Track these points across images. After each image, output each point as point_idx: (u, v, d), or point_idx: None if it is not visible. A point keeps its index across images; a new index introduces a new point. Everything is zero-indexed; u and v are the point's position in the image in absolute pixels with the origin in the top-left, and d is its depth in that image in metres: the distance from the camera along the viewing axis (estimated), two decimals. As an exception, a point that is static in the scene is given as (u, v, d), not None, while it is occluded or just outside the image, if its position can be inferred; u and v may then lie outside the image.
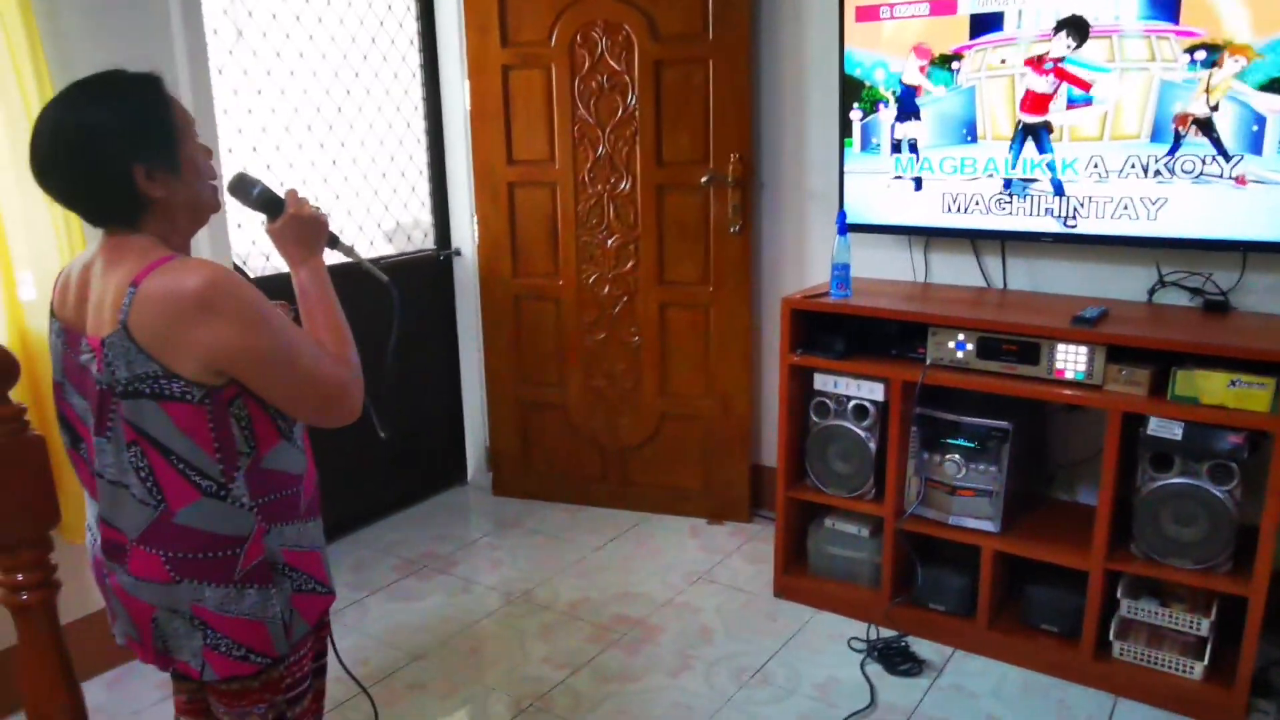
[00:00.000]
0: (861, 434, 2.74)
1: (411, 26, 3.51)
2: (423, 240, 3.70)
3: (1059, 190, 2.61)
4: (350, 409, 1.47)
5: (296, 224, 1.50)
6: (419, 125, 3.60)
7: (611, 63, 3.26)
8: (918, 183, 2.82)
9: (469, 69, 3.45)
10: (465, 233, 3.67)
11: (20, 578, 1.47)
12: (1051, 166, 2.61)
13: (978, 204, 2.74)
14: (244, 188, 1.51)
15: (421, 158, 3.63)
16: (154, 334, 1.29)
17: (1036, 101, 2.59)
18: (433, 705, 2.47)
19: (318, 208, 1.55)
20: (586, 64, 3.29)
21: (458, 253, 3.72)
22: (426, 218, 3.69)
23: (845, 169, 2.94)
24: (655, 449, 3.54)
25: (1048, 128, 2.59)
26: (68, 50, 2.32)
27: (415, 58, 3.54)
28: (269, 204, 1.52)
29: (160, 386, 1.30)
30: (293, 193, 1.53)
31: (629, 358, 3.49)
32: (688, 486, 3.53)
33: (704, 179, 3.22)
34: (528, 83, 3.38)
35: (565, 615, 2.89)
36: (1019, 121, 2.63)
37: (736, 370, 3.36)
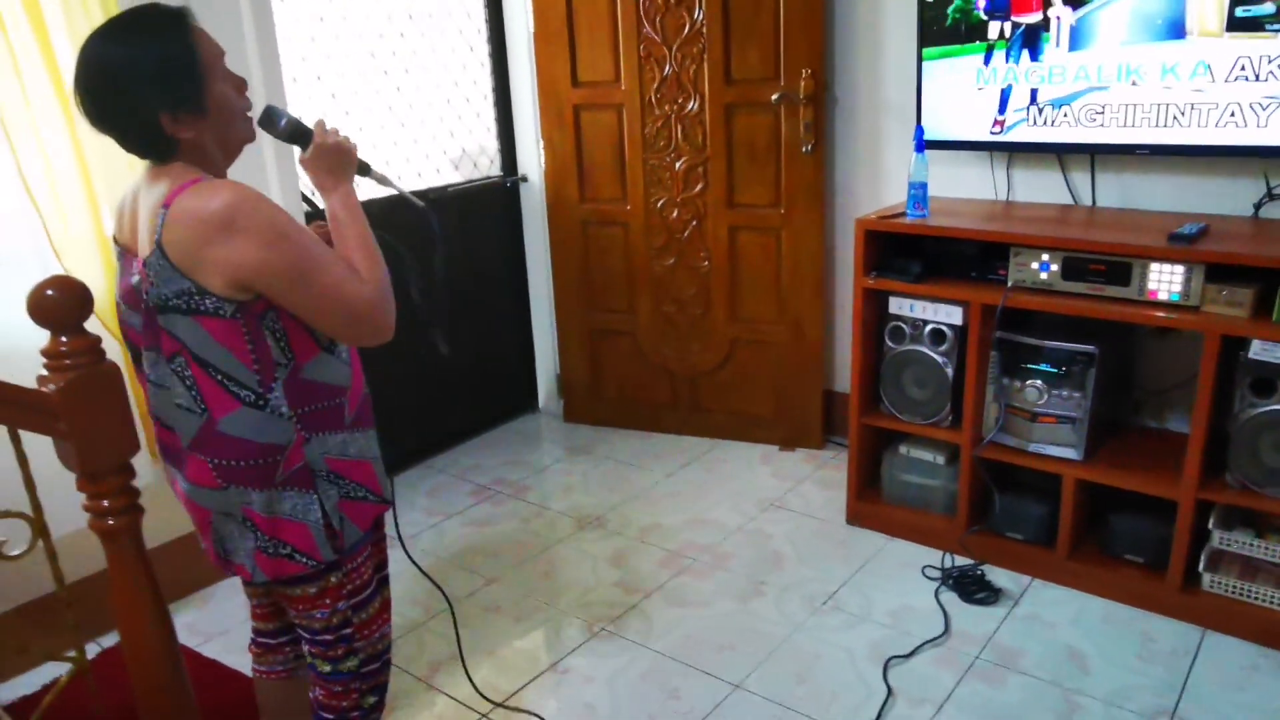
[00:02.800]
0: (938, 359, 2.65)
1: (472, -54, 3.43)
2: (489, 167, 3.66)
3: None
4: (378, 327, 1.48)
5: (324, 153, 1.51)
6: (482, 49, 3.54)
7: (677, -25, 3.13)
8: (1004, 94, 2.67)
9: (531, -12, 3.36)
10: (531, 158, 3.63)
11: (106, 504, 1.50)
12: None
13: (1066, 116, 2.58)
14: (272, 119, 1.52)
15: (486, 82, 3.57)
16: (184, 253, 1.33)
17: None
18: (507, 626, 2.52)
19: (346, 137, 1.55)
20: (651, -22, 3.17)
21: (524, 179, 3.68)
22: (492, 144, 3.65)
23: (924, 81, 2.79)
24: (726, 375, 3.51)
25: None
26: None
27: (477, -22, 3.46)
28: (297, 134, 1.53)
29: (194, 303, 1.36)
30: (320, 123, 1.53)
31: (698, 283, 3.43)
32: (759, 413, 3.49)
33: (774, 97, 3.10)
34: (591, 1, 3.28)
35: (637, 541, 2.91)
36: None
37: (809, 294, 3.27)
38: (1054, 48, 2.55)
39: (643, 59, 3.26)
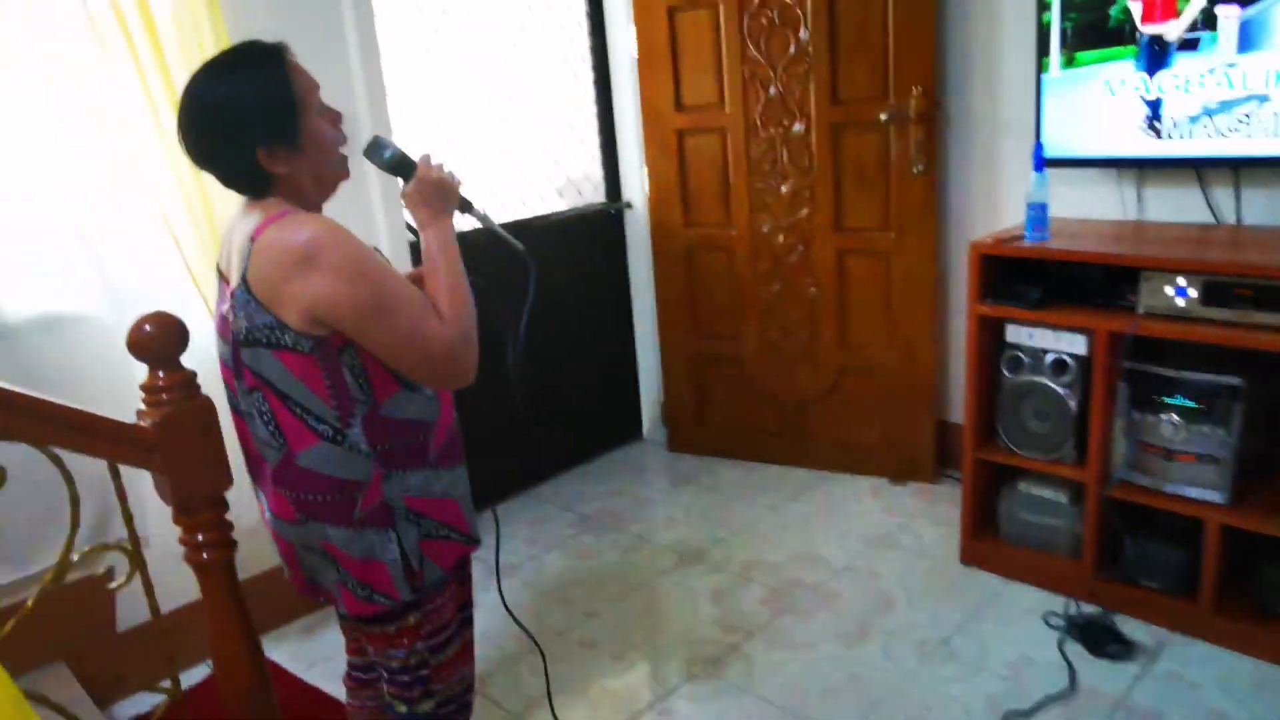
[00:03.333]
0: (1060, 390, 2.48)
1: (576, -26, 3.44)
2: (593, 194, 3.66)
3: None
4: (457, 372, 1.45)
5: (426, 187, 1.49)
6: (586, 75, 3.54)
7: (782, -4, 3.06)
8: (1139, 106, 2.49)
9: (634, 12, 3.34)
10: (636, 184, 3.60)
11: (200, 538, 1.53)
12: (1300, 78, 2.22)
13: (1207, 128, 2.38)
14: (377, 150, 1.51)
15: (590, 109, 3.58)
16: (266, 286, 1.34)
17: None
18: (604, 665, 2.46)
19: (450, 172, 1.53)
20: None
21: (629, 205, 3.66)
22: (597, 171, 3.65)
23: (1044, 94, 2.63)
24: (834, 404, 3.38)
25: (1296, 32, 2.20)
26: (245, 10, 2.41)
27: (581, 5, 3.47)
28: (401, 167, 1.51)
29: (275, 336, 1.36)
30: (426, 156, 1.52)
31: (805, 309, 3.33)
32: (869, 444, 3.35)
33: (883, 116, 2.98)
34: (694, 23, 3.24)
35: (739, 577, 2.81)
36: None
37: (921, 321, 3.13)
38: (1205, 53, 2.35)
39: (747, 81, 3.19)
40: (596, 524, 3.24)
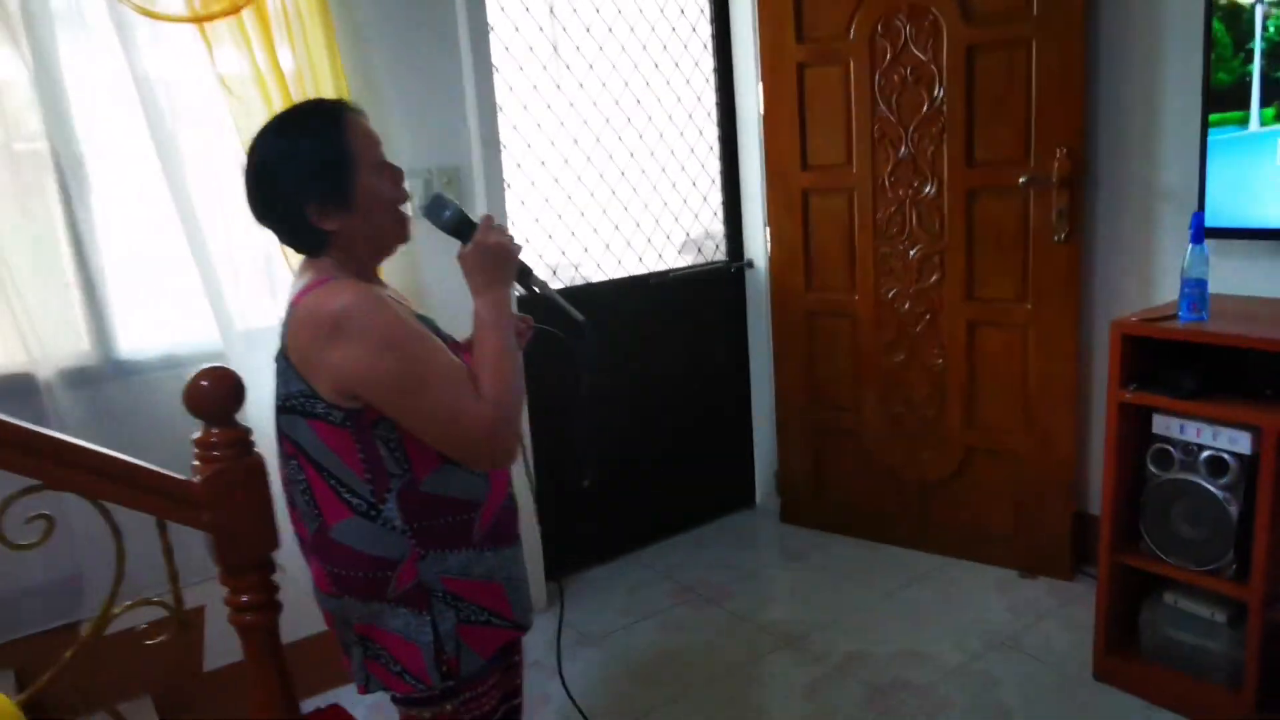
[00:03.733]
0: (1218, 493, 2.17)
1: (705, 30, 3.38)
2: (714, 252, 3.56)
3: None
4: (495, 452, 1.36)
5: (483, 251, 1.40)
6: (711, 132, 3.47)
7: (916, 52, 2.90)
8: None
9: (762, 69, 3.25)
10: (758, 244, 3.48)
11: (245, 599, 1.50)
12: None
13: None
14: (436, 210, 1.44)
15: (714, 166, 3.49)
16: (300, 354, 1.31)
17: None
18: (681, 755, 2.31)
19: (511, 238, 1.44)
20: (888, 56, 2.96)
21: (750, 264, 3.53)
22: (718, 229, 3.55)
23: (1209, 156, 2.35)
24: (960, 486, 3.12)
25: None
26: (363, 53, 2.48)
27: (709, 61, 3.41)
28: (460, 228, 1.44)
29: (309, 405, 1.32)
30: (487, 219, 1.43)
31: (932, 383, 3.10)
32: (997, 531, 3.07)
33: (1022, 179, 2.76)
34: (824, 80, 3.11)
35: (839, 670, 2.60)
36: None
37: (1059, 402, 2.85)
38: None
39: (876, 140, 3.04)
40: (696, 596, 3.08)
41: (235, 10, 2.12)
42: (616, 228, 3.29)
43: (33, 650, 2.18)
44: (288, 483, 1.42)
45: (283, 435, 1.38)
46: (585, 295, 3.21)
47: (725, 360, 3.61)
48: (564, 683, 1.88)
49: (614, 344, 3.28)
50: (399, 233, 1.44)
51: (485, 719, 1.50)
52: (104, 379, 2.27)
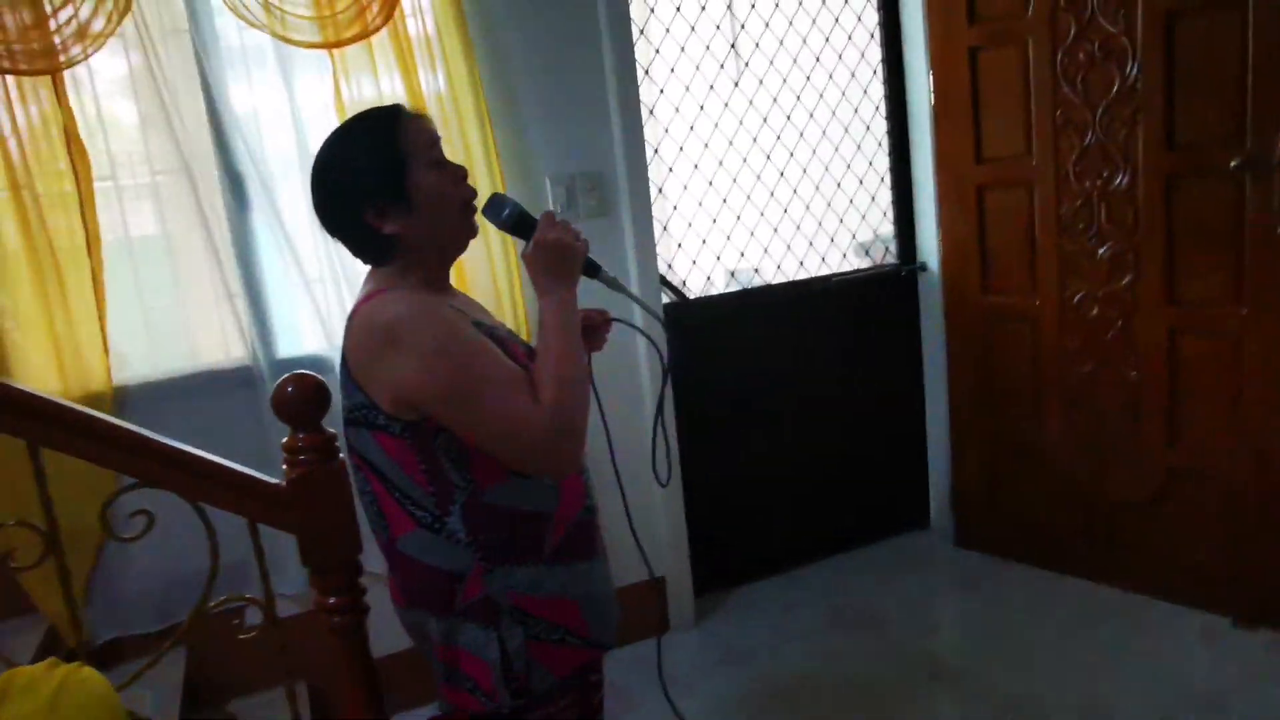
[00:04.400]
0: None
1: (871, 17, 3.18)
2: (884, 255, 3.34)
3: None
4: (552, 461, 1.31)
5: (544, 249, 1.35)
6: (880, 127, 3.25)
7: (1105, 24, 2.58)
8: None
9: (931, 56, 3.01)
10: (932, 246, 3.23)
11: (331, 601, 1.53)
12: None
13: None
14: (495, 209, 1.41)
15: (883, 164, 3.28)
16: (357, 365, 1.31)
17: None
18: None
19: (576, 233, 1.37)
20: (1072, 31, 2.65)
21: (923, 267, 3.28)
22: (887, 229, 3.33)
23: None
24: (1159, 513, 2.75)
25: None
26: (503, 66, 2.50)
27: (876, 52, 3.20)
28: (521, 225, 1.40)
29: (371, 417, 1.31)
30: (548, 215, 1.38)
31: (1125, 395, 2.75)
32: (1205, 569, 2.67)
33: (1235, 162, 2.39)
34: (999, 64, 2.84)
35: (998, 713, 2.34)
36: None
37: (1281, 421, 2.44)
38: None
39: (1059, 127, 2.73)
40: (852, 620, 2.89)
41: (365, 36, 2.19)
42: (775, 230, 3.16)
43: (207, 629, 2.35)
44: (360, 494, 1.43)
45: (350, 447, 1.39)
46: (743, 302, 3.11)
47: (897, 370, 3.37)
48: (665, 690, 1.81)
49: (773, 353, 3.15)
50: (464, 231, 1.41)
51: (563, 739, 1.45)
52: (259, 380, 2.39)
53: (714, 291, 3.13)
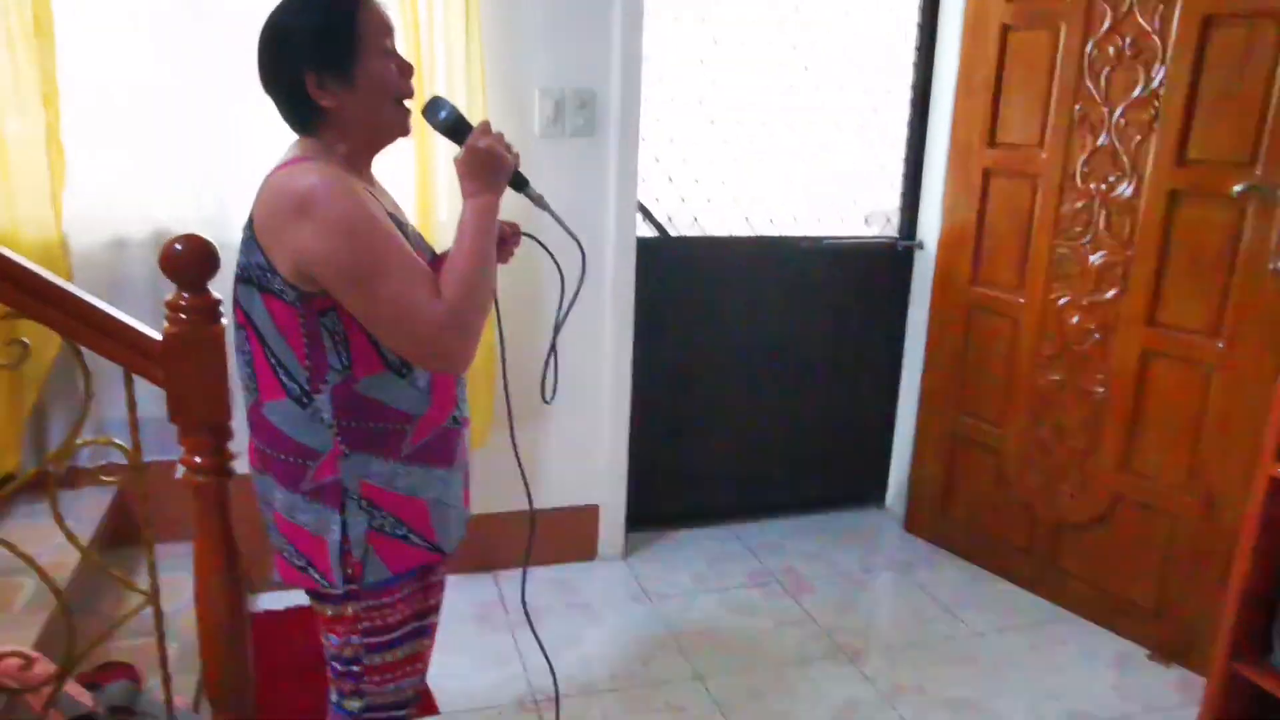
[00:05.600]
0: (1378, 615, 1.70)
1: (914, -20, 3.04)
2: (884, 226, 3.25)
3: None
4: (442, 353, 1.33)
5: (474, 155, 1.36)
6: (903, 96, 3.13)
7: (1141, 20, 2.44)
8: None
9: (964, 29, 2.88)
10: (932, 224, 3.13)
11: (197, 460, 1.55)
12: None
13: None
14: (433, 110, 1.42)
15: (899, 133, 3.17)
16: (263, 227, 1.31)
17: None
18: (674, 736, 2.18)
19: (507, 145, 1.39)
20: (1106, 21, 2.51)
21: (920, 245, 3.19)
22: (891, 202, 3.23)
23: None
24: (1100, 536, 2.68)
25: None
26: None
27: (913, 15, 3.07)
28: (456, 130, 1.41)
29: (265, 280, 1.32)
30: (484, 124, 1.40)
31: (1087, 411, 2.67)
32: (1133, 598, 2.62)
33: (1239, 187, 2.27)
34: (1029, 46, 2.71)
35: (883, 699, 2.34)
36: None
37: (1237, 463, 2.34)
38: None
39: (1075, 122, 2.61)
40: (774, 581, 2.89)
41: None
42: (777, 184, 3.08)
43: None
44: (237, 351, 1.44)
45: (237, 304, 1.40)
46: (726, 248, 3.05)
47: (879, 346, 3.31)
48: (534, 632, 1.82)
49: (751, 306, 3.10)
50: (397, 124, 1.42)
51: (388, 629, 1.48)
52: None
53: (697, 234, 3.06)
